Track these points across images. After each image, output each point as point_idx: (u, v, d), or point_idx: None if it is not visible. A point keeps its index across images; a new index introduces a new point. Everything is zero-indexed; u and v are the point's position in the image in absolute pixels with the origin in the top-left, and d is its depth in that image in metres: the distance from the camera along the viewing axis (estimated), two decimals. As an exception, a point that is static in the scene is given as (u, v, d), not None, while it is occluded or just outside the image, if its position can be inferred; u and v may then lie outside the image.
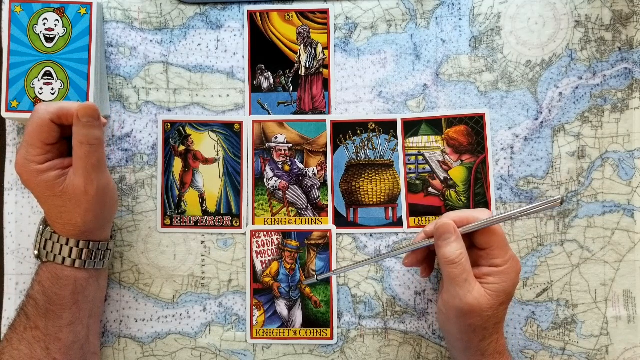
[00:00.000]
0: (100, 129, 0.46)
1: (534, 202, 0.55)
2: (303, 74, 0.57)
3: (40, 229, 0.49)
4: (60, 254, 0.47)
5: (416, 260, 0.51)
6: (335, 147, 0.56)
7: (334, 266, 0.55)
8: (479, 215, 0.47)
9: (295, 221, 0.56)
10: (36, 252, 0.49)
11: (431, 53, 0.56)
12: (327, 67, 0.57)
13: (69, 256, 0.47)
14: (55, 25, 0.53)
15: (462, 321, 0.45)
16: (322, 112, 0.57)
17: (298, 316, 0.55)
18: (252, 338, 0.55)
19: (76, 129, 0.45)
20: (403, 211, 0.55)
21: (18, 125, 0.56)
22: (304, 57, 0.57)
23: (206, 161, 0.56)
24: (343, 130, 0.56)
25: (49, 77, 0.53)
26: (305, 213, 0.56)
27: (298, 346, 0.55)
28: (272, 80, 0.57)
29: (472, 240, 0.48)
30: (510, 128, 0.56)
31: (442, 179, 0.56)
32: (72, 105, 0.47)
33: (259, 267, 0.55)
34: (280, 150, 0.56)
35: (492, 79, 0.56)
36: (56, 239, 0.47)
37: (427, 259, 0.52)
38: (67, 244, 0.47)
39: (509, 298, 0.46)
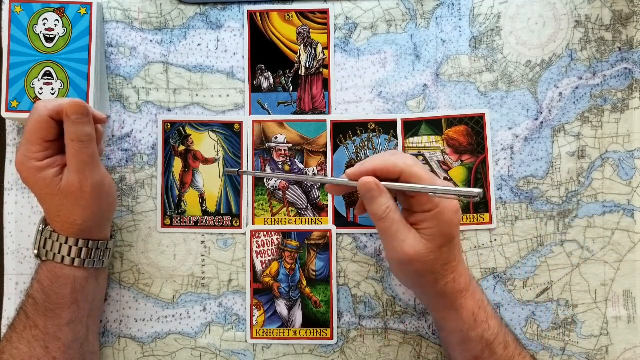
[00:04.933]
0: (90, 126, 0.46)
1: (533, 203, 0.55)
2: (303, 74, 0.57)
3: (40, 228, 0.49)
4: (59, 252, 0.47)
5: (338, 191, 0.51)
6: (335, 147, 0.56)
7: (334, 266, 0.55)
8: (396, 161, 0.45)
9: (295, 221, 0.56)
10: (36, 251, 0.49)
11: (431, 53, 0.56)
12: (327, 67, 0.57)
13: (68, 255, 0.47)
14: (55, 25, 0.53)
15: (407, 269, 0.45)
16: (322, 112, 0.57)
17: (298, 316, 0.55)
18: (252, 338, 0.55)
19: (66, 126, 0.45)
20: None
21: (18, 125, 0.56)
22: (304, 57, 0.57)
23: (206, 161, 0.56)
24: (343, 130, 0.56)
25: (49, 77, 0.53)
26: (305, 213, 0.56)
27: (298, 346, 0.55)
28: (272, 80, 0.57)
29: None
30: (510, 128, 0.56)
31: (442, 179, 0.56)
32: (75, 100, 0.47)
33: (259, 267, 0.55)
34: (280, 150, 0.56)
35: (492, 79, 0.56)
36: (56, 238, 0.48)
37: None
38: (66, 242, 0.47)
39: (449, 239, 0.44)
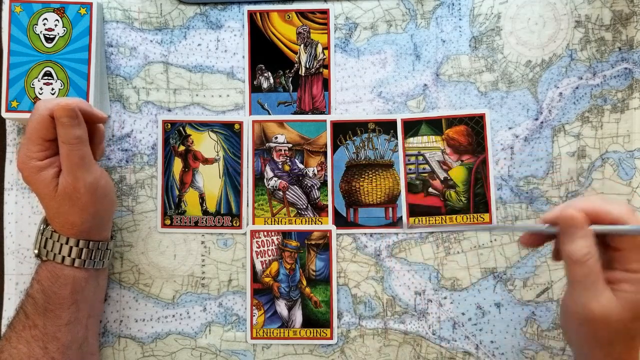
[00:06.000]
0: (80, 128, 0.46)
1: (533, 203, 0.55)
2: (303, 74, 0.57)
3: (41, 228, 0.49)
4: (60, 252, 0.47)
5: (534, 242, 0.44)
6: (335, 147, 0.56)
7: (334, 266, 0.55)
8: (613, 210, 0.39)
9: (295, 221, 0.56)
10: (36, 251, 0.49)
11: (431, 53, 0.56)
12: (327, 67, 0.57)
13: (69, 255, 0.47)
14: (55, 25, 0.53)
15: (584, 330, 0.39)
16: (322, 112, 0.57)
17: (298, 316, 0.55)
18: (252, 338, 0.55)
19: (57, 129, 0.45)
20: (403, 211, 0.55)
21: (18, 125, 0.56)
22: (304, 57, 0.57)
23: (206, 161, 0.56)
24: (343, 130, 0.56)
25: (49, 77, 0.53)
26: (305, 213, 0.56)
27: (298, 346, 0.55)
28: (272, 80, 0.57)
29: (605, 238, 0.40)
30: (510, 128, 0.56)
31: (442, 179, 0.56)
32: (72, 100, 0.47)
33: (259, 267, 0.55)
34: (280, 150, 0.56)
35: (492, 79, 0.56)
36: (56, 238, 0.48)
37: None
38: (66, 243, 0.47)
39: None
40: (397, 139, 0.56)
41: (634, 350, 0.39)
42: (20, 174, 0.55)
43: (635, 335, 0.39)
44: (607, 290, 0.38)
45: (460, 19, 0.56)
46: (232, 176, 0.56)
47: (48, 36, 0.53)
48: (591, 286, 0.38)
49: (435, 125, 0.56)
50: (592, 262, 0.38)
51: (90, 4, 0.53)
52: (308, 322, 0.55)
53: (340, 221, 0.56)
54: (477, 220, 0.55)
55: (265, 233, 0.56)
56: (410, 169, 0.56)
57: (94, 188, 0.47)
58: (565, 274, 0.42)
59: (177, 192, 0.56)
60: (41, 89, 0.52)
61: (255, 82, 0.57)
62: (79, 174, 0.46)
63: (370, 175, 0.56)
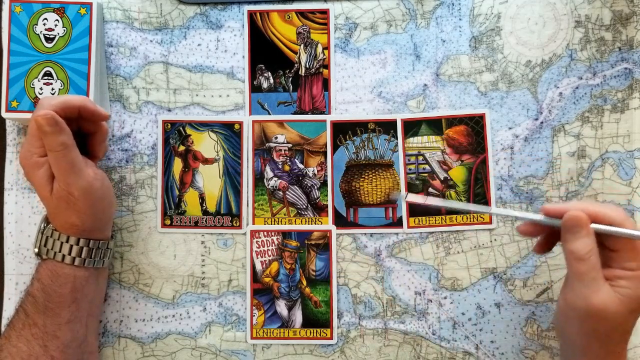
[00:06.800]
0: (63, 134, 0.45)
1: (533, 203, 0.55)
2: (303, 74, 0.57)
3: (42, 227, 0.49)
4: (60, 251, 0.47)
5: (532, 232, 0.47)
6: (335, 147, 0.56)
7: (334, 266, 0.55)
8: (612, 214, 0.42)
9: (295, 221, 0.56)
10: (36, 250, 0.49)
11: (431, 53, 0.56)
12: (327, 67, 0.57)
13: (69, 254, 0.47)
14: (55, 25, 0.53)
15: (584, 325, 0.42)
16: (322, 112, 0.57)
17: (298, 316, 0.55)
18: (252, 338, 0.55)
19: (43, 138, 0.45)
20: (403, 211, 0.55)
21: (18, 125, 0.56)
22: (304, 57, 0.57)
23: (206, 161, 0.56)
24: (343, 130, 0.56)
25: (49, 77, 0.53)
26: (305, 213, 0.56)
27: (298, 346, 0.55)
28: (272, 80, 0.57)
29: (601, 238, 0.43)
30: (510, 128, 0.56)
31: (442, 179, 0.56)
32: (76, 98, 0.47)
33: (259, 267, 0.55)
34: (280, 150, 0.56)
35: (492, 79, 0.56)
36: (57, 237, 0.48)
37: (547, 237, 0.47)
38: (67, 241, 0.47)
39: None
40: (397, 139, 0.56)
41: (625, 343, 0.42)
42: (21, 173, 0.55)
43: (629, 329, 0.42)
44: (606, 285, 0.41)
45: (460, 19, 0.56)
46: (232, 176, 0.56)
47: (48, 36, 0.53)
48: (592, 282, 0.41)
49: (435, 125, 0.56)
50: (594, 259, 0.41)
51: (90, 4, 0.53)
52: (308, 322, 0.55)
53: (340, 221, 0.56)
54: (477, 220, 0.55)
55: (265, 233, 0.56)
56: (410, 169, 0.56)
57: (89, 191, 0.47)
58: (567, 270, 0.44)
59: (177, 192, 0.56)
60: (41, 89, 0.52)
61: (255, 82, 0.57)
62: (70, 180, 0.46)
63: (370, 175, 0.56)
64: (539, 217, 0.45)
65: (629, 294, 0.41)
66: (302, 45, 0.57)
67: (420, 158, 0.56)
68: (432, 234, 0.55)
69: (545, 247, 0.48)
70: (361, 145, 0.56)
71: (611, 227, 0.42)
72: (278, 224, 0.56)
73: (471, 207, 0.51)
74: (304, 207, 0.56)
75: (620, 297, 0.41)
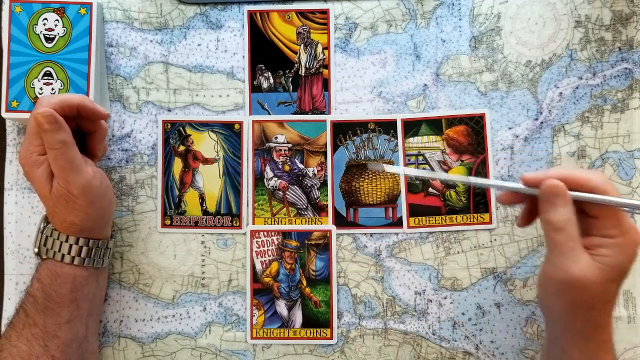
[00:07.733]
0: (62, 132, 0.45)
1: None
2: (303, 74, 0.57)
3: (42, 227, 0.49)
4: (60, 250, 0.47)
5: (512, 201, 0.46)
6: (335, 147, 0.56)
7: (334, 266, 0.55)
8: (594, 180, 0.40)
9: (295, 221, 0.56)
10: (36, 250, 0.49)
11: (431, 53, 0.56)
12: (327, 67, 0.57)
13: (69, 253, 0.47)
14: (55, 25, 0.53)
15: (564, 296, 0.40)
16: (322, 112, 0.57)
17: (298, 316, 0.55)
18: (252, 338, 0.55)
19: (42, 136, 0.45)
20: (403, 211, 0.55)
21: (18, 125, 0.56)
22: (304, 57, 0.57)
23: (206, 161, 0.56)
24: (343, 130, 0.56)
25: (49, 77, 0.53)
26: (305, 213, 0.56)
27: (298, 346, 0.55)
28: (272, 80, 0.57)
29: (581, 205, 0.41)
30: (510, 128, 0.56)
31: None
32: (75, 97, 0.47)
33: (259, 267, 0.55)
34: (280, 150, 0.56)
35: (492, 79, 0.56)
36: (56, 236, 0.48)
37: (530, 207, 0.45)
38: (66, 241, 0.48)
39: (622, 275, 0.40)
40: (397, 139, 0.56)
41: (609, 314, 0.41)
42: (20, 173, 0.55)
43: (610, 299, 0.40)
44: (586, 254, 0.40)
45: (460, 19, 0.56)
46: (232, 176, 0.56)
47: (48, 36, 0.53)
48: (570, 251, 0.39)
49: (435, 125, 0.56)
50: (571, 228, 0.40)
51: (90, 4, 0.53)
52: (308, 322, 0.55)
53: (340, 221, 0.56)
54: (477, 220, 0.55)
55: (265, 233, 0.56)
56: (410, 169, 0.56)
57: (88, 189, 0.47)
58: (545, 241, 0.43)
59: (177, 192, 0.56)
60: (41, 89, 0.52)
61: (255, 82, 0.57)
62: (69, 178, 0.46)
63: (370, 175, 0.56)
64: (519, 186, 0.44)
65: (609, 263, 0.39)
66: (302, 45, 0.57)
67: (420, 158, 0.56)
68: (432, 234, 0.55)
69: (527, 219, 0.46)
70: (361, 145, 0.56)
71: (591, 195, 0.40)
72: (278, 224, 0.56)
73: (444, 175, 0.51)
74: (304, 207, 0.56)
75: (600, 266, 0.39)
